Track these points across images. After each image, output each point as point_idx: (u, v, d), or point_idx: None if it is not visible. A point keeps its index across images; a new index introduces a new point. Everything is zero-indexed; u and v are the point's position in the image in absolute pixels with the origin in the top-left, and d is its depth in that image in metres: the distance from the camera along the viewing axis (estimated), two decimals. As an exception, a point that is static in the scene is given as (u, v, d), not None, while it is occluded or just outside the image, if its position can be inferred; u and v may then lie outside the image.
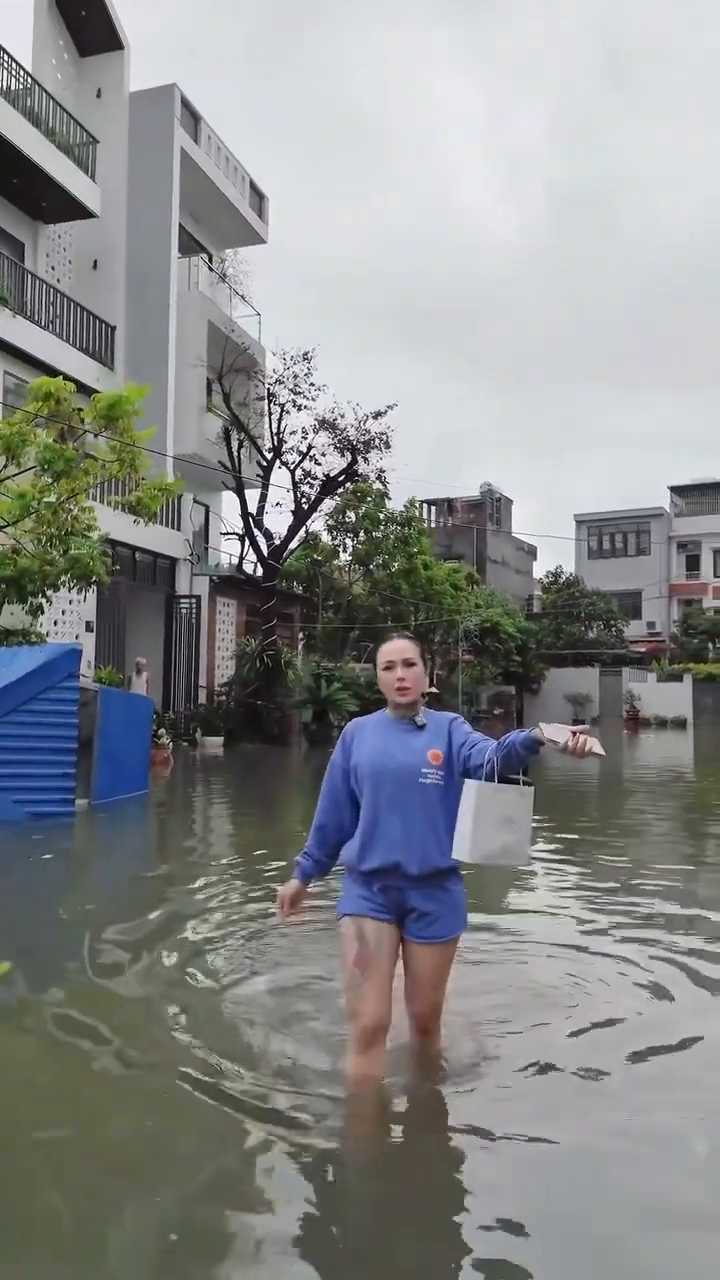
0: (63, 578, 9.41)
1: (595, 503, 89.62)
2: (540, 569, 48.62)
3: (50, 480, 9.07)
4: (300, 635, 23.80)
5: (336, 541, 24.99)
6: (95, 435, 9.45)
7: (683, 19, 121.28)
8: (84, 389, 18.98)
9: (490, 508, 45.71)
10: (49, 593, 9.76)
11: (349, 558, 25.60)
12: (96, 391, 18.37)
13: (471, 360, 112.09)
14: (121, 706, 9.47)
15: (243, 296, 23.29)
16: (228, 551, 23.19)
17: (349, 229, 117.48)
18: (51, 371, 18.35)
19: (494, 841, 2.64)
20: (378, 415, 18.99)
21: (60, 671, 8.15)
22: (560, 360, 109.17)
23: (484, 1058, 3.15)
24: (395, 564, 25.02)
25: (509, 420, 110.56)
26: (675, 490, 48.62)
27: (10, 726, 7.86)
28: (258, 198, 25.31)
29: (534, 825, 2.77)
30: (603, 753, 2.48)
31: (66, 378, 18.34)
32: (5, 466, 9.74)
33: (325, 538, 25.07)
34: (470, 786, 2.65)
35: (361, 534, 24.67)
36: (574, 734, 2.48)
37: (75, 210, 19.65)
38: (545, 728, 2.52)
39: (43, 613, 10.70)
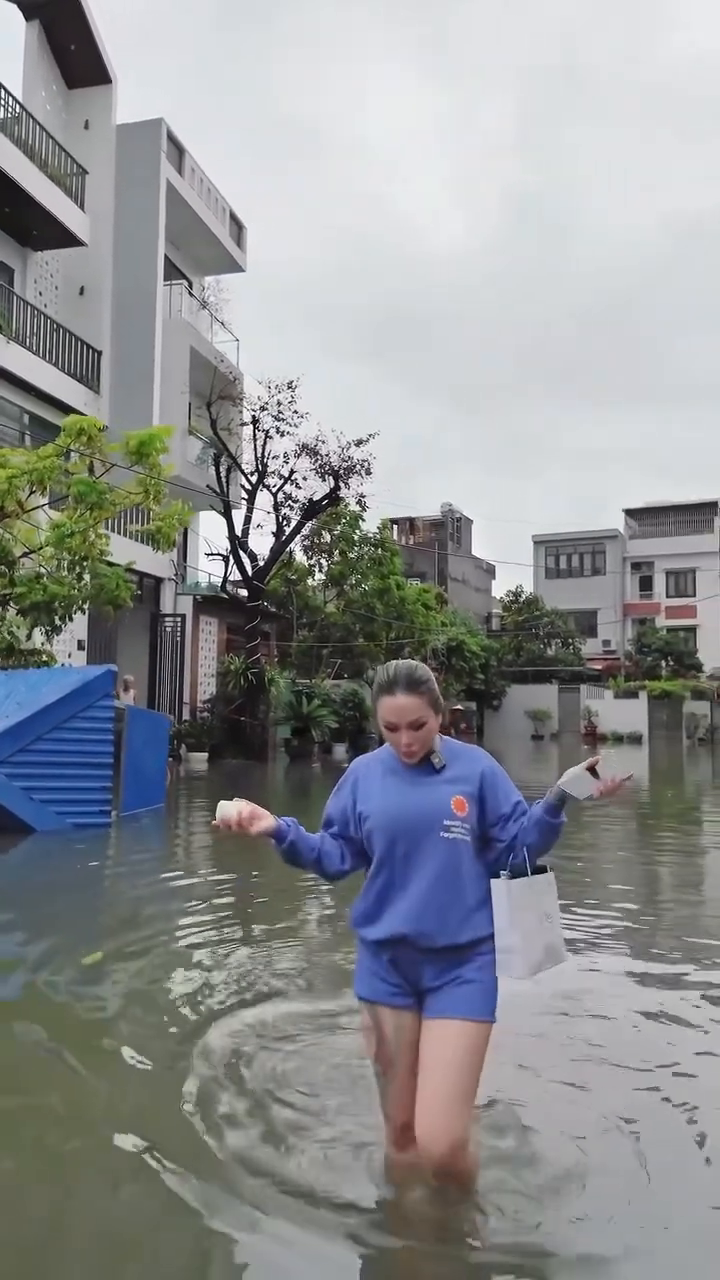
0: (86, 602, 9.99)
1: (552, 519, 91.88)
2: (499, 588, 49.91)
3: (85, 511, 9.67)
4: (274, 654, 24.43)
5: (312, 561, 25.72)
6: (129, 467, 10.05)
7: (642, 27, 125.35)
8: (73, 413, 19.52)
9: (451, 527, 46.81)
10: (71, 616, 10.33)
11: (323, 577, 26.33)
12: (85, 415, 18.99)
13: (426, 374, 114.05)
14: (144, 724, 10.06)
15: (223, 323, 23.98)
16: (206, 570, 23.78)
17: (299, 238, 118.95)
18: (40, 394, 18.87)
19: (538, 947, 2.30)
20: (359, 443, 19.82)
21: (97, 691, 8.73)
22: (516, 376, 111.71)
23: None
24: (368, 584, 25.81)
25: (467, 436, 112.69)
26: (629, 513, 50.35)
27: (53, 743, 8.41)
28: (237, 227, 26.10)
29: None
30: (631, 774, 2.32)
31: (58, 402, 18.98)
32: (30, 496, 10.29)
33: (300, 557, 25.78)
34: (502, 888, 2.29)
35: (336, 554, 25.43)
36: (608, 779, 2.23)
37: (65, 239, 20.16)
38: (565, 779, 2.25)
39: (59, 634, 11.23)
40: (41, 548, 10.25)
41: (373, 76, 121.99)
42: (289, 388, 19.65)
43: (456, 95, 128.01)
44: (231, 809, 2.31)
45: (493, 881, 2.31)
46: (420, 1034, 2.32)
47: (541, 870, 2.34)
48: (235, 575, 20.92)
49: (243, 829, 2.29)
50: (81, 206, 20.64)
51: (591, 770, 2.22)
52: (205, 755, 19.06)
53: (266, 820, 2.32)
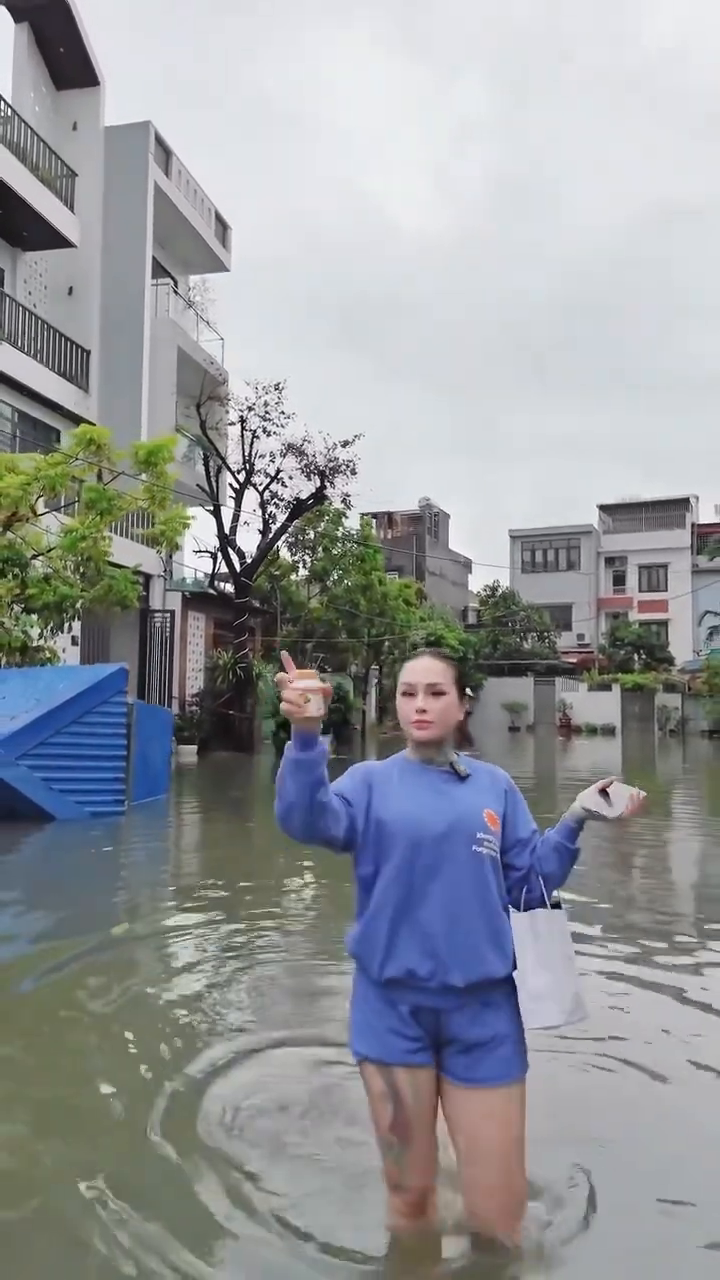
0: (94, 603, 10.49)
1: (527, 512, 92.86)
2: (475, 582, 50.70)
3: (94, 517, 10.17)
4: (259, 648, 24.95)
5: (296, 557, 26.25)
6: (135, 475, 10.56)
7: (621, 10, 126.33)
8: (63, 412, 19.92)
9: (429, 522, 47.46)
10: (79, 616, 10.82)
11: (306, 573, 26.87)
12: (74, 414, 19.41)
13: (401, 363, 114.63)
14: (149, 718, 10.57)
15: (208, 323, 24.40)
16: (192, 567, 24.24)
17: (275, 225, 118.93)
18: (30, 393, 19.22)
19: (569, 991, 2.04)
20: (345, 444, 20.37)
21: (112, 688, 9.25)
22: (494, 366, 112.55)
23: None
24: (350, 579, 26.38)
25: (442, 427, 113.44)
26: (603, 508, 51.31)
27: (71, 736, 8.92)
28: (222, 227, 26.49)
29: None
30: (644, 792, 2.10)
31: (47, 401, 19.35)
32: (38, 500, 10.76)
33: (285, 554, 26.29)
34: (525, 923, 2.05)
35: (320, 550, 25.97)
36: (633, 795, 2.07)
37: (55, 240, 20.49)
38: (587, 799, 2.09)
39: (62, 631, 11.71)
40: (50, 550, 10.73)
41: (351, 60, 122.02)
42: (275, 389, 20.14)
43: (435, 79, 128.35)
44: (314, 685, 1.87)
45: (514, 916, 2.05)
46: (448, 1101, 2.03)
47: (557, 905, 2.10)
48: (222, 570, 21.43)
49: (295, 706, 1.85)
50: (70, 208, 20.97)
51: (603, 793, 2.07)
52: (195, 748, 19.55)
53: (320, 710, 1.88)
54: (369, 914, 2.04)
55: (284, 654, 1.98)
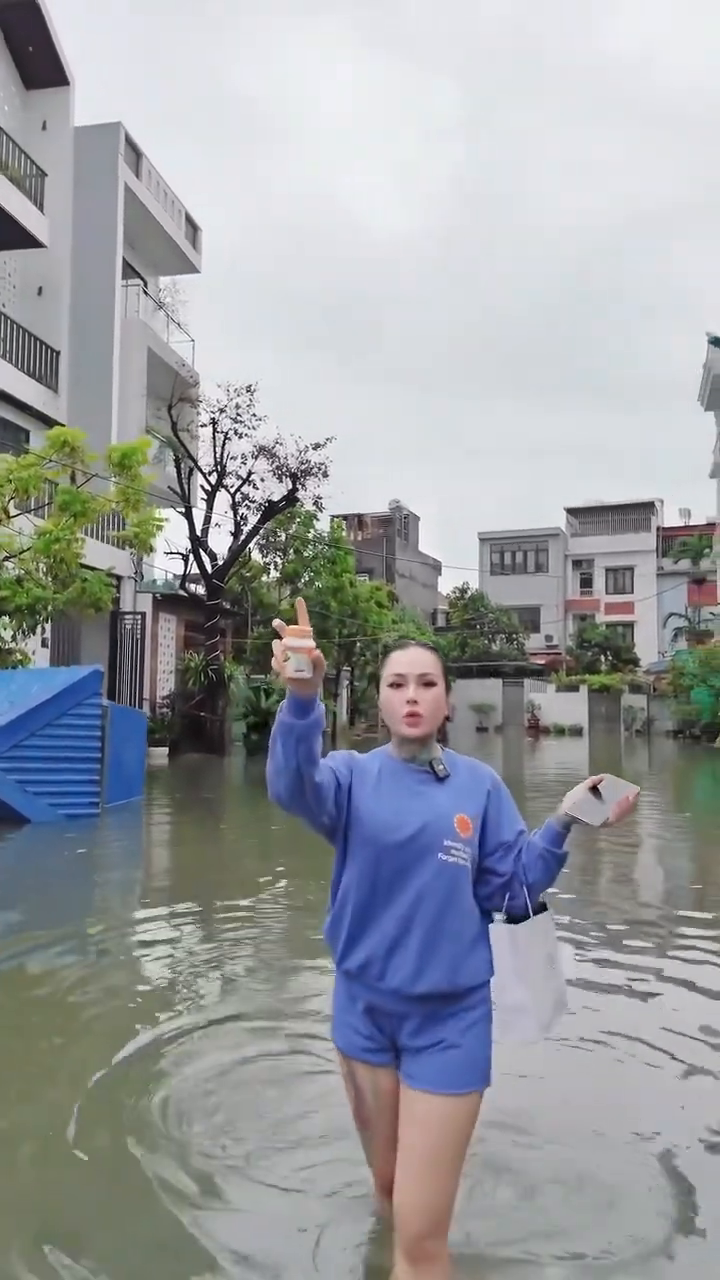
0: (67, 605, 10.49)
1: (496, 514, 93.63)
2: (444, 584, 51.00)
3: (68, 520, 10.16)
4: (230, 650, 24.94)
5: (267, 559, 26.29)
6: (109, 479, 10.57)
7: (596, 16, 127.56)
8: (32, 412, 19.80)
9: (399, 524, 47.66)
10: (51, 618, 10.81)
11: (278, 575, 26.93)
12: (43, 414, 19.32)
13: (369, 366, 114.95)
14: (123, 720, 10.58)
15: (179, 324, 24.37)
16: (163, 568, 24.19)
17: (241, 227, 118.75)
18: (-1, 393, 19.10)
19: (547, 1001, 2.03)
20: (317, 446, 20.46)
21: (87, 690, 9.27)
22: (461, 370, 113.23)
23: None
24: (322, 581, 26.47)
25: (413, 429, 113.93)
26: (571, 511, 51.87)
27: (46, 739, 8.93)
28: (192, 229, 26.47)
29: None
30: (638, 789, 2.01)
31: (16, 401, 19.22)
32: (10, 502, 10.73)
33: (256, 556, 26.33)
34: (504, 935, 1.99)
35: (291, 552, 26.03)
36: (623, 798, 1.96)
37: (24, 240, 20.36)
38: (572, 804, 1.99)
39: (34, 633, 11.69)
40: (22, 553, 10.71)
41: (324, 59, 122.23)
42: (247, 391, 20.18)
43: (409, 80, 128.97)
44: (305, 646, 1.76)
45: (492, 927, 2.00)
46: (399, 1097, 2.01)
47: (542, 908, 2.03)
48: (194, 572, 21.42)
49: (277, 664, 1.78)
50: (40, 208, 20.85)
51: (594, 790, 1.98)
52: (166, 750, 19.51)
53: (316, 675, 1.78)
54: (336, 906, 2.05)
55: (299, 601, 1.92)
